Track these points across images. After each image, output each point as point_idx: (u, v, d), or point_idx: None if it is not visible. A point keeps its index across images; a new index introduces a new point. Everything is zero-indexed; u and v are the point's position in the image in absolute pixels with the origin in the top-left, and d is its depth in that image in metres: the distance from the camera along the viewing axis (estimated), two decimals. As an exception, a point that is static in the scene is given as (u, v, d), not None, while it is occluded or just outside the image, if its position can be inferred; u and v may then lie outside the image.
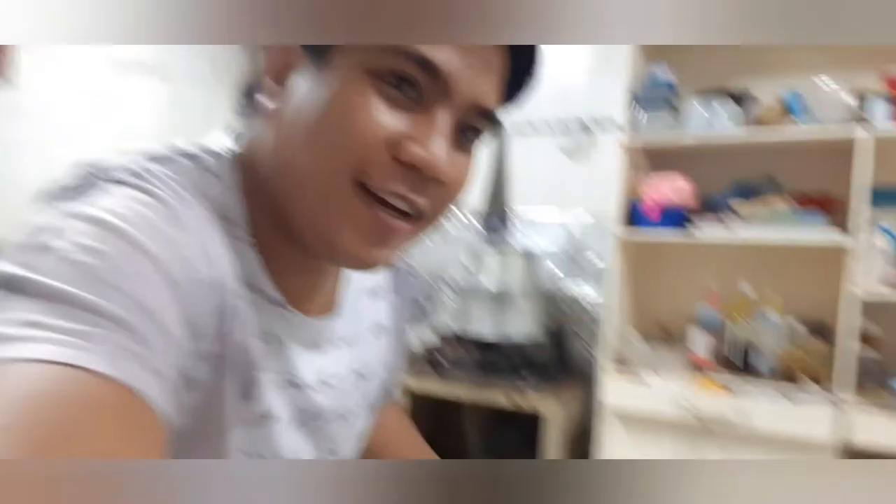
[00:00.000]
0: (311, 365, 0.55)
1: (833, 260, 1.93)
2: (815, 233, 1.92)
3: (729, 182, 2.19)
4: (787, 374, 1.97)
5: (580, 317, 2.51)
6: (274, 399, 0.52)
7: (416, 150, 0.45)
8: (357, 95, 0.45)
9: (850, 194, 1.87)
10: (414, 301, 0.71)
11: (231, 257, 0.47)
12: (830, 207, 1.97)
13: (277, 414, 0.53)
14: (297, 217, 0.48)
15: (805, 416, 1.84)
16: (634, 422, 2.05)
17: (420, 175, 0.46)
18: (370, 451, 0.73)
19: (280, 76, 0.49)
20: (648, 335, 2.26)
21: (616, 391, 2.06)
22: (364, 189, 0.46)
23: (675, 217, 2.08)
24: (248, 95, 0.53)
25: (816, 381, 1.91)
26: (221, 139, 0.54)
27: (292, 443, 0.55)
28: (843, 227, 1.89)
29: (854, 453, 1.80)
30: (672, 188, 2.10)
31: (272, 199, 0.49)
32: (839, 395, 1.83)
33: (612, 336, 2.13)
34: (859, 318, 1.85)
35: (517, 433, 2.25)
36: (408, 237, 0.49)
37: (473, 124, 0.49)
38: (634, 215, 2.12)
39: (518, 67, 0.51)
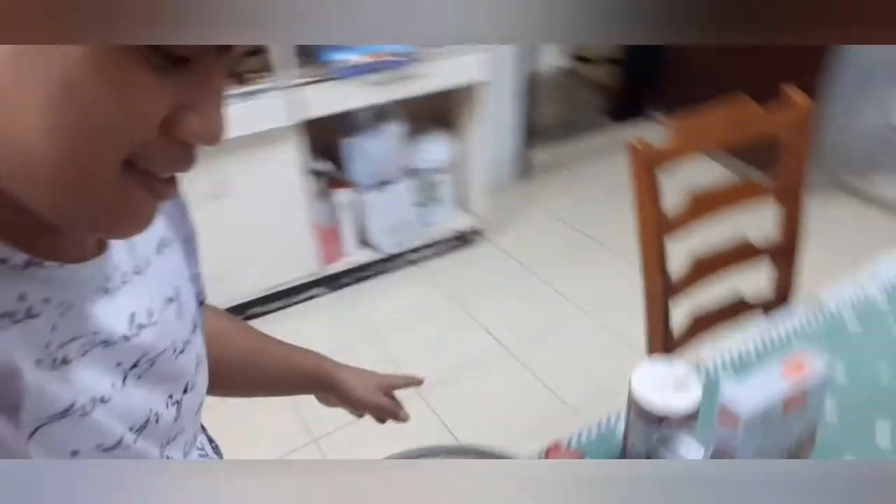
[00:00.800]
0: (111, 312, 0.47)
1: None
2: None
3: None
4: (237, 77, 1.83)
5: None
6: (83, 375, 0.43)
7: (195, 128, 0.37)
8: (115, 67, 0.32)
9: None
10: (181, 200, 0.63)
11: None
12: None
13: (97, 388, 0.44)
14: (41, 209, 0.37)
15: (268, 109, 1.89)
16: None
17: (196, 147, 0.39)
18: (215, 365, 0.65)
19: None
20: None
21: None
22: (131, 167, 0.37)
23: None
24: None
25: (263, 74, 1.83)
26: None
27: (138, 400, 0.48)
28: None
29: (309, 125, 2.02)
30: None
31: None
32: (288, 79, 1.89)
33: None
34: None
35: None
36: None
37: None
38: None
39: None
